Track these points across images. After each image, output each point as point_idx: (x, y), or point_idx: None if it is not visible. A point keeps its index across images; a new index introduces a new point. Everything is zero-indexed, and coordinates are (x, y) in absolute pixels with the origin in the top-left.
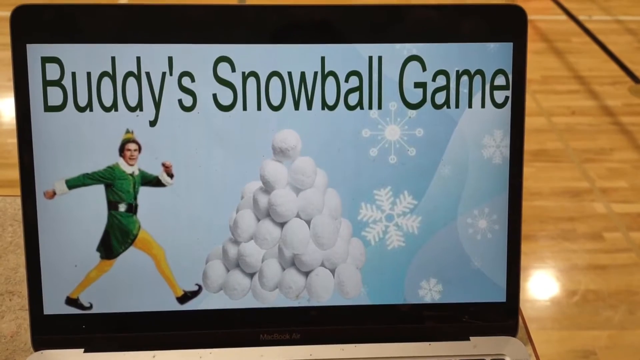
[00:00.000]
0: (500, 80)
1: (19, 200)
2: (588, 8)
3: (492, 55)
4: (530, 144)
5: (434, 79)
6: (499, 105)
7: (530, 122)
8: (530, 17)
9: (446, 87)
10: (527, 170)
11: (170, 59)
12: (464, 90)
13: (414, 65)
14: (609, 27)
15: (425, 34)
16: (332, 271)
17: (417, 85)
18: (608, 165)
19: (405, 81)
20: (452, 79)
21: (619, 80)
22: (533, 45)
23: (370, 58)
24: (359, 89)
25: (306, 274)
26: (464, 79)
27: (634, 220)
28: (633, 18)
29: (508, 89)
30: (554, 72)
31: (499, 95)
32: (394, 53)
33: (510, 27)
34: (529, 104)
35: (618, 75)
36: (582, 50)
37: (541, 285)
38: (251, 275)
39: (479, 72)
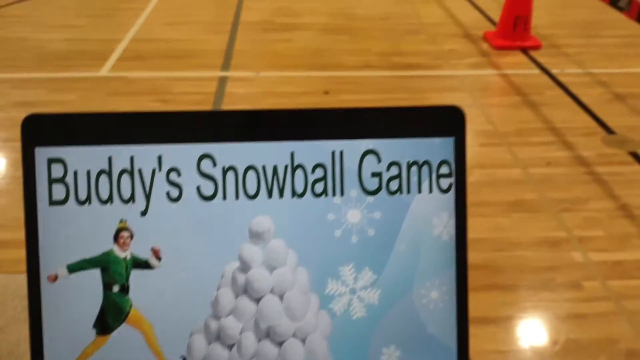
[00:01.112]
0: (444, 169)
1: (19, 278)
2: (560, 62)
3: (437, 148)
4: (507, 195)
5: (388, 169)
6: (444, 191)
7: (507, 173)
8: (505, 71)
9: (398, 176)
10: (506, 220)
11: (159, 157)
12: (414, 178)
13: (370, 158)
14: (580, 80)
15: (380, 131)
16: (303, 341)
17: (374, 174)
18: (584, 215)
19: (364, 171)
20: (404, 169)
21: (592, 131)
22: (508, 99)
23: (333, 152)
24: (324, 179)
25: (279, 344)
26: (414, 169)
27: (611, 268)
28: (604, 71)
29: (451, 177)
30: (529, 125)
31: (444, 182)
32: (353, 148)
33: (451, 124)
34: (505, 155)
35: (591, 126)
36: (555, 102)
37: (523, 335)
38: (230, 347)
39: (426, 162)
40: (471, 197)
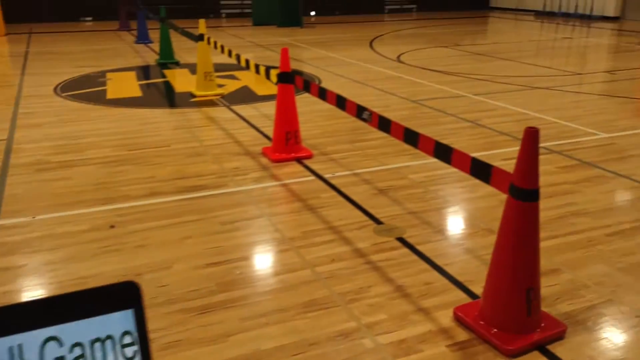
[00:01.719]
0: (127, 339)
1: None
2: (330, 167)
3: (117, 322)
4: (300, 297)
5: (71, 351)
6: (129, 359)
7: (297, 276)
8: (285, 181)
9: (82, 355)
10: (302, 322)
11: None
12: (98, 354)
13: (52, 344)
14: (349, 180)
15: (59, 317)
16: None
17: (58, 359)
18: (368, 302)
19: (46, 358)
20: (87, 347)
21: (365, 224)
22: (291, 206)
23: (11, 348)
24: None
25: None
26: (97, 345)
27: (397, 347)
28: (367, 170)
29: (135, 345)
30: (312, 227)
31: (129, 351)
32: (31, 339)
33: (128, 297)
34: (294, 259)
35: (363, 220)
36: (331, 203)
37: None
38: None
39: (109, 337)
40: (269, 304)
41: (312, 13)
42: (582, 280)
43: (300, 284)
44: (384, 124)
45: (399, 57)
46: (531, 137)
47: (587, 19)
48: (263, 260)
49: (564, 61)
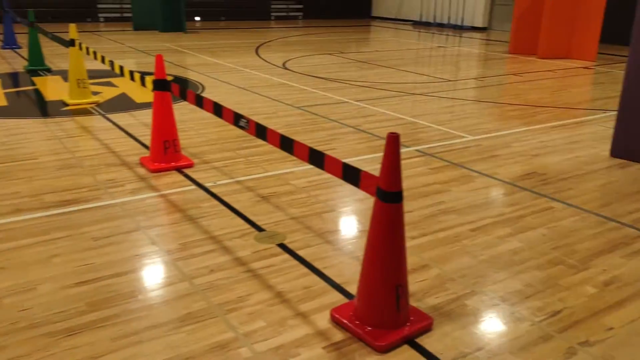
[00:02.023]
0: None
1: None
2: (212, 176)
3: None
4: (177, 311)
5: None
6: None
7: (174, 289)
8: (164, 192)
9: None
10: (178, 337)
11: None
12: None
13: None
14: (232, 188)
15: None
16: None
17: None
18: (248, 311)
19: None
20: None
21: (246, 232)
22: (170, 217)
23: None
24: None
25: None
26: None
27: (275, 353)
28: (250, 177)
29: None
30: (191, 238)
31: None
32: None
33: None
34: (171, 272)
35: (245, 228)
36: (212, 213)
37: None
38: None
39: None
40: (143, 321)
41: (197, 18)
42: (448, 275)
43: (176, 297)
44: (261, 132)
45: (285, 63)
46: (393, 143)
47: (459, 29)
48: (138, 276)
49: (438, 69)
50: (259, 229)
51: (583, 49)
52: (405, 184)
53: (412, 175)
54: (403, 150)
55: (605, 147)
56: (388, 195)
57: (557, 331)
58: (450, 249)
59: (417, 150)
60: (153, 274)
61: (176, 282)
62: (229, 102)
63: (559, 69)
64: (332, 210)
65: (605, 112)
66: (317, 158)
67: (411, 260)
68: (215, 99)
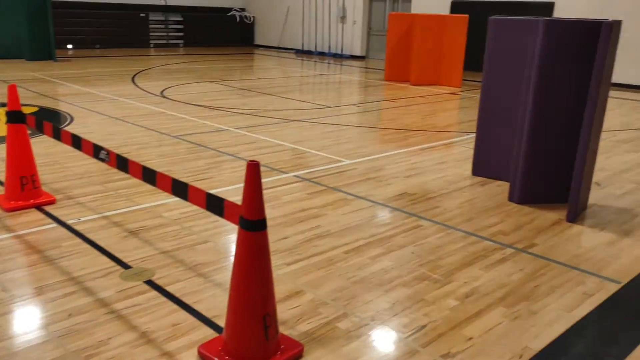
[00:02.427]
0: None
1: None
2: (76, 212)
3: None
4: None
5: None
6: None
7: (24, 340)
8: (20, 232)
9: None
10: None
11: None
12: None
13: None
14: (97, 224)
15: None
16: None
17: None
18: (108, 355)
19: None
20: None
21: (111, 271)
22: (25, 259)
23: None
24: None
25: None
26: None
27: None
28: (117, 212)
29: None
30: (49, 281)
31: None
32: None
33: None
34: (22, 321)
35: (109, 266)
36: (74, 252)
37: None
38: None
39: None
40: None
41: (69, 46)
42: (321, 299)
43: (27, 348)
44: (122, 164)
45: (163, 92)
46: (253, 171)
47: (339, 57)
48: None
49: (319, 96)
50: (125, 266)
51: (450, 76)
52: (283, 210)
53: (289, 202)
54: (282, 176)
55: (468, 167)
56: (251, 223)
57: (422, 345)
58: (324, 272)
59: (295, 176)
60: (1, 325)
61: (27, 332)
62: (101, 133)
63: (429, 95)
64: (206, 241)
65: (468, 134)
66: (180, 189)
67: (285, 287)
68: (85, 131)
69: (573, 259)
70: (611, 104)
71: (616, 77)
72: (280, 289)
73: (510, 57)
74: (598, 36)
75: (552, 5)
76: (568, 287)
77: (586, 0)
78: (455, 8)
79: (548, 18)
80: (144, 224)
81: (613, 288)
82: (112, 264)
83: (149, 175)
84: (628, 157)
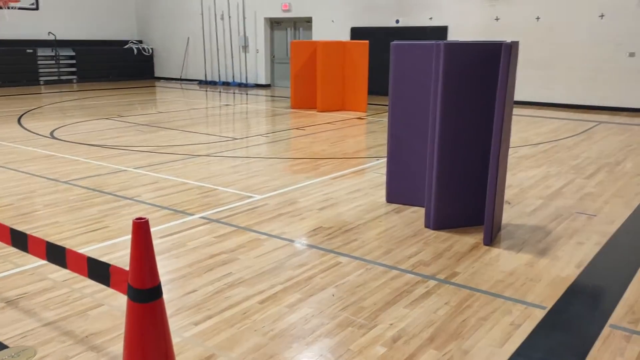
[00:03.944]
0: None
1: None
2: None
3: None
4: None
5: None
6: None
7: None
8: None
9: None
10: None
11: None
12: None
13: None
14: None
15: None
16: None
17: None
18: None
19: None
20: None
21: None
22: None
23: None
24: None
25: None
26: None
27: None
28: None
29: None
30: None
31: None
32: None
33: None
34: None
35: None
36: None
37: None
38: None
39: None
40: None
41: None
42: None
43: None
44: None
45: (53, 132)
46: (140, 231)
47: (244, 86)
48: None
49: (225, 127)
50: (0, 346)
51: (355, 102)
52: (188, 259)
53: (196, 247)
54: (187, 219)
55: (382, 194)
56: (140, 294)
57: None
58: (238, 329)
59: (202, 217)
60: None
61: None
62: None
63: (336, 121)
64: (99, 304)
65: (378, 159)
66: (56, 254)
67: (194, 352)
68: None
69: (496, 285)
70: None
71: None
72: (188, 356)
73: (415, 82)
74: (498, 57)
75: (446, 28)
76: (495, 318)
77: (476, 23)
78: (355, 34)
79: (448, 41)
80: (25, 289)
81: (539, 314)
82: None
83: (19, 239)
84: (532, 173)
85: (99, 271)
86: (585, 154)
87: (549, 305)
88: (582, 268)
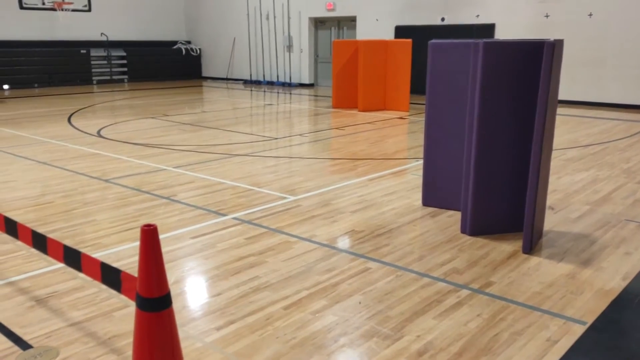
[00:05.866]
0: None
1: None
2: None
3: None
4: None
5: None
6: None
7: None
8: None
9: None
10: None
11: None
12: None
13: None
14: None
15: None
16: None
17: None
18: None
19: None
20: None
21: (5, 354)
22: None
23: None
24: None
25: None
26: None
27: None
28: (25, 275)
29: None
30: None
31: None
32: None
33: None
34: None
35: (4, 348)
36: None
37: None
38: None
39: None
40: None
41: (5, 87)
42: None
43: None
44: (11, 228)
45: (99, 131)
46: (149, 238)
47: (288, 86)
48: None
49: (265, 127)
50: (25, 346)
51: (397, 101)
52: (217, 260)
53: (225, 249)
54: (219, 219)
55: (418, 196)
56: (148, 302)
57: None
58: (259, 336)
59: (234, 218)
60: None
61: None
62: (22, 181)
63: (377, 121)
64: (127, 305)
65: (417, 160)
66: (72, 258)
67: (212, 359)
68: (5, 179)
69: (533, 297)
70: (557, 121)
71: (560, 95)
72: None
73: (453, 81)
74: (540, 56)
75: (493, 26)
76: (530, 333)
77: (524, 21)
78: (399, 33)
79: (487, 40)
80: (55, 288)
81: (579, 330)
82: (9, 344)
83: (39, 241)
84: (579, 177)
85: (111, 277)
86: (638, 157)
87: (590, 320)
88: (628, 280)
